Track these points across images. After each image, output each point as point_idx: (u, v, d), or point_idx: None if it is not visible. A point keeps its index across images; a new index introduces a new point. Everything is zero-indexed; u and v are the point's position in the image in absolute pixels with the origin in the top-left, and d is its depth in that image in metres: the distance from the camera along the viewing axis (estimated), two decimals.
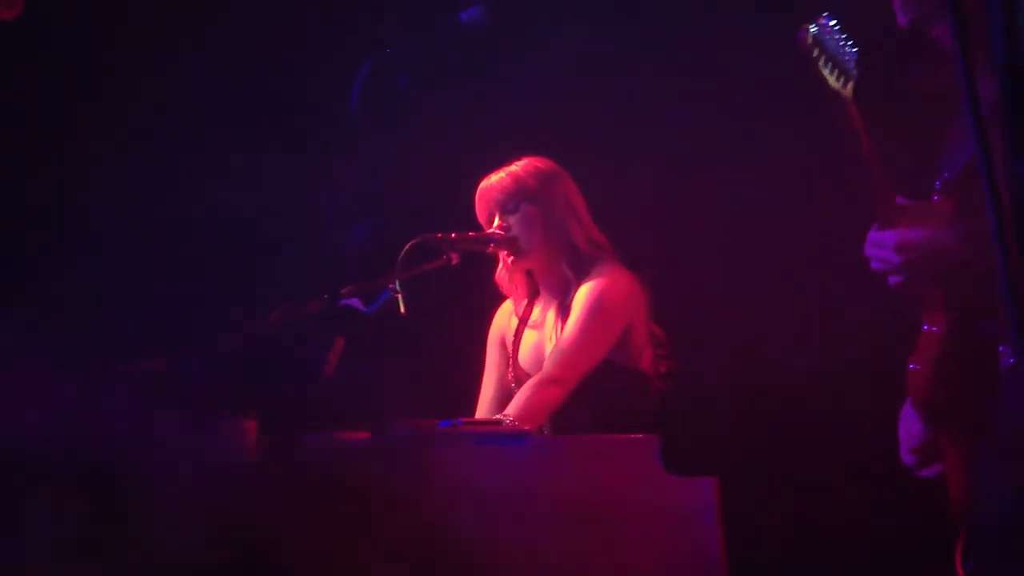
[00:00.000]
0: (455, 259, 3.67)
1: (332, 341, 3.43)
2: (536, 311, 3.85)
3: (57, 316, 4.33)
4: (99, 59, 4.70)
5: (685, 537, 3.03)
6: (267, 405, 3.06)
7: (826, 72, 3.06)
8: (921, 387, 3.09)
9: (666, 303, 3.82)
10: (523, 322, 3.86)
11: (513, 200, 3.76)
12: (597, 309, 3.64)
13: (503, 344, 3.91)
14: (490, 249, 3.78)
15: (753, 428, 4.44)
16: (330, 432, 3.06)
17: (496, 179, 3.79)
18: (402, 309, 3.47)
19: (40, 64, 4.67)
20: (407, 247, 3.54)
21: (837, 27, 3.08)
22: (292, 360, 3.70)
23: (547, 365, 3.65)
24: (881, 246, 3.02)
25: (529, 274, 3.86)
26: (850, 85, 3.07)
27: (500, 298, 3.94)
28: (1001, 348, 2.92)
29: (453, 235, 3.68)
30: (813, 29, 3.07)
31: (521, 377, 3.77)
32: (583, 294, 3.67)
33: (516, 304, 3.90)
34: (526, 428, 3.27)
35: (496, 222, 3.77)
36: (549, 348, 3.73)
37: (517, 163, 3.81)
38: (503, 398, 3.81)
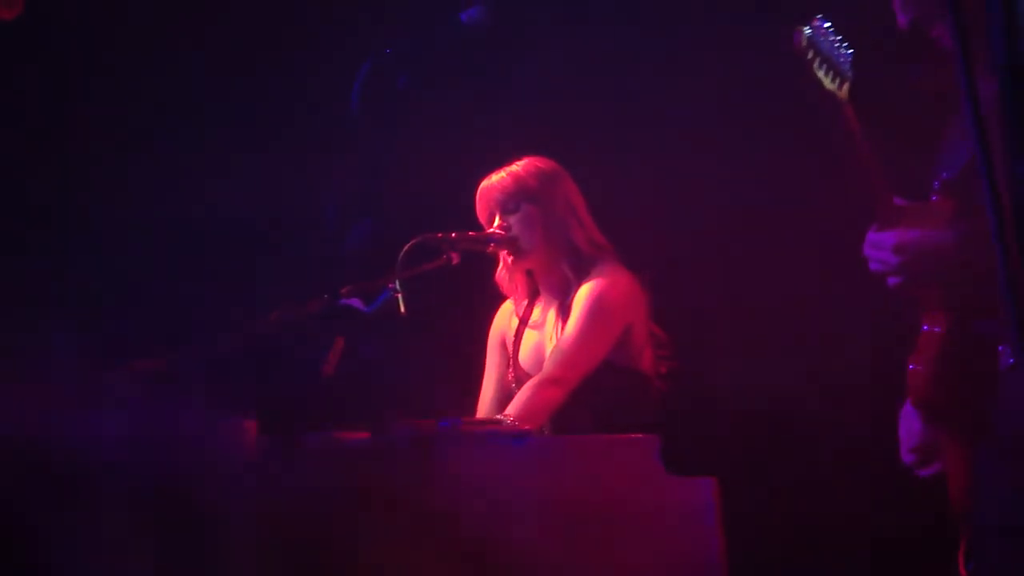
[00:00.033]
0: (455, 259, 3.67)
1: (332, 341, 3.43)
2: (536, 311, 3.85)
3: (57, 316, 4.33)
4: (99, 59, 4.70)
5: (685, 537, 3.03)
6: (267, 405, 3.06)
7: (821, 74, 3.06)
8: (921, 387, 3.09)
9: (666, 303, 3.82)
10: (523, 322, 3.86)
11: (514, 200, 3.76)
12: (597, 309, 3.64)
13: (503, 344, 3.91)
14: (490, 249, 3.78)
15: (753, 428, 4.44)
16: (330, 432, 3.06)
17: (497, 179, 3.79)
18: (402, 309, 3.47)
19: (40, 64, 4.67)
20: (407, 247, 3.54)
21: (831, 29, 3.08)
22: (292, 360, 3.70)
23: (547, 365, 3.65)
24: (879, 247, 3.02)
25: (529, 274, 3.86)
26: (846, 86, 3.07)
27: (500, 298, 3.94)
28: (1001, 348, 2.92)
29: (453, 235, 3.68)
30: (807, 31, 3.07)
31: (521, 377, 3.77)
32: (583, 294, 3.67)
33: (516, 304, 3.90)
34: (526, 428, 3.27)
35: (496, 222, 3.77)
36: (549, 348, 3.73)
37: (518, 163, 3.81)
38: (503, 398, 3.81)
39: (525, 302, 3.88)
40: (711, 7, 4.50)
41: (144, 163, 4.67)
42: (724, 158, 4.49)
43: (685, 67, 4.50)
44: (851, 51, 3.07)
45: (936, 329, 3.06)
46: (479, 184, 3.82)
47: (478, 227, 3.80)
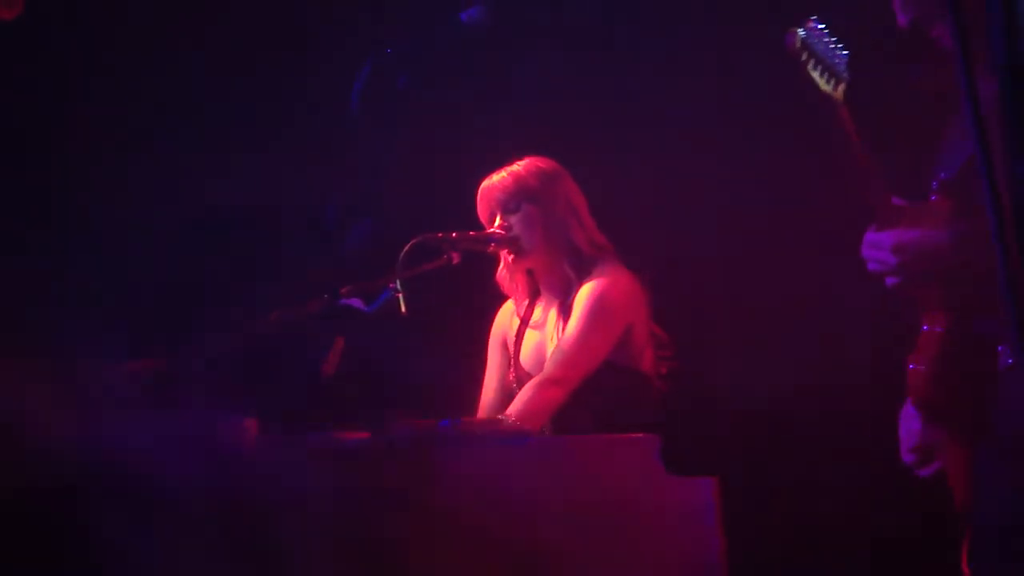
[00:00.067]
0: (456, 259, 3.67)
1: (332, 341, 3.43)
2: (537, 311, 3.85)
3: (57, 316, 4.33)
4: (99, 59, 4.70)
5: (685, 537, 3.03)
6: (267, 405, 3.06)
7: (815, 75, 3.06)
8: (921, 387, 3.09)
9: (666, 303, 3.82)
10: (524, 322, 3.86)
11: (514, 200, 3.76)
12: (598, 310, 3.64)
13: (504, 344, 3.91)
14: (491, 249, 3.78)
15: (753, 428, 4.44)
16: (330, 432, 3.06)
17: (497, 179, 3.79)
18: (403, 309, 3.47)
19: (40, 64, 4.67)
20: (407, 247, 3.54)
21: (826, 30, 3.08)
22: (292, 360, 3.70)
23: (548, 365, 3.65)
24: (878, 247, 3.03)
25: (530, 274, 3.86)
26: (841, 87, 3.07)
27: (501, 298, 3.94)
28: (1000, 348, 2.92)
29: (454, 234, 3.68)
30: (801, 33, 3.07)
31: (523, 377, 3.77)
32: (584, 294, 3.67)
33: (517, 304, 3.90)
34: (527, 428, 3.26)
35: (497, 222, 3.77)
36: (550, 348, 3.73)
37: (519, 163, 3.81)
38: (504, 398, 3.81)
39: (526, 302, 3.88)
40: (711, 7, 4.50)
41: (144, 163, 4.67)
42: (724, 158, 4.49)
43: (685, 67, 4.50)
44: (846, 52, 3.07)
45: (936, 329, 3.06)
46: (480, 184, 3.81)
47: (479, 227, 3.80)
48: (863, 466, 4.20)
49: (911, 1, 3.02)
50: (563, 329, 3.69)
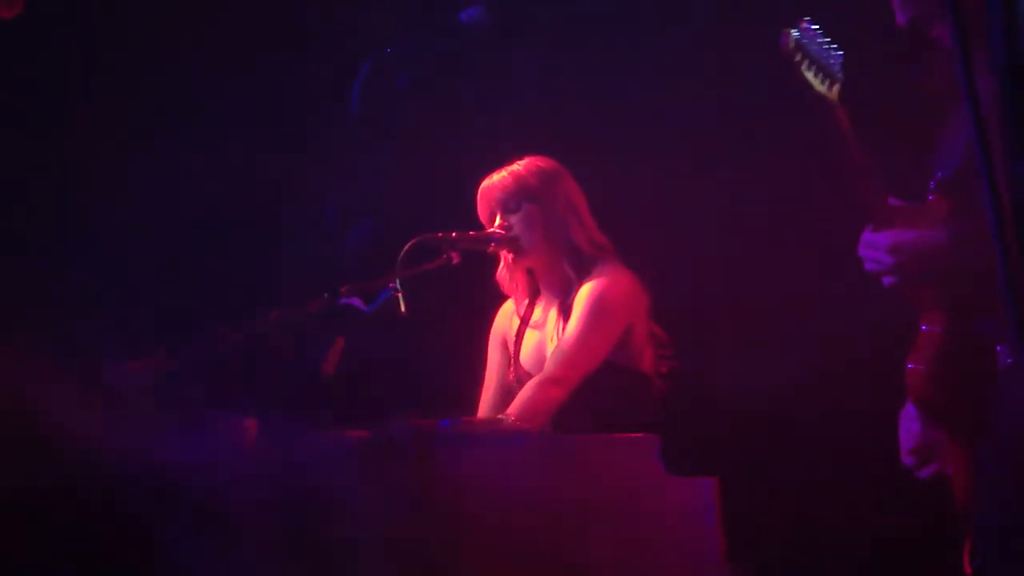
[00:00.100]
0: (455, 258, 3.67)
1: (332, 341, 3.43)
2: (537, 311, 3.85)
3: (57, 316, 4.33)
4: (99, 59, 4.70)
5: (685, 537, 3.03)
6: (267, 405, 3.06)
7: (810, 76, 3.06)
8: (920, 387, 3.09)
9: (666, 303, 3.82)
10: (524, 322, 3.86)
11: (515, 199, 3.76)
12: (598, 309, 3.64)
13: (504, 344, 3.91)
14: (491, 248, 3.78)
15: (753, 428, 4.44)
16: (330, 431, 3.06)
17: (498, 178, 3.79)
18: (402, 308, 3.47)
19: (40, 64, 4.66)
20: (407, 247, 3.54)
21: (819, 31, 3.08)
22: (292, 360, 3.70)
23: (548, 365, 3.65)
24: (874, 247, 3.03)
25: (530, 273, 3.85)
26: (836, 88, 3.07)
27: (501, 298, 3.94)
28: (999, 348, 2.92)
29: (454, 234, 3.68)
30: (794, 33, 3.07)
31: (523, 377, 3.77)
32: (584, 294, 3.67)
33: (517, 304, 3.90)
34: (527, 428, 3.26)
35: (497, 221, 3.77)
36: (551, 348, 3.73)
37: (519, 162, 3.81)
38: (504, 398, 3.81)
39: (526, 302, 3.88)
40: (711, 7, 4.50)
41: (144, 163, 4.67)
42: (724, 158, 4.49)
43: (685, 67, 4.50)
44: (840, 53, 3.07)
45: (935, 329, 3.06)
46: (480, 183, 3.81)
47: (478, 227, 3.80)
48: (863, 466, 4.20)
49: (910, 0, 3.02)
50: (563, 329, 3.69)
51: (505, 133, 4.33)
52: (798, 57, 3.05)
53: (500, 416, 3.64)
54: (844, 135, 3.04)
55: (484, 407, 3.87)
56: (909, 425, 3.15)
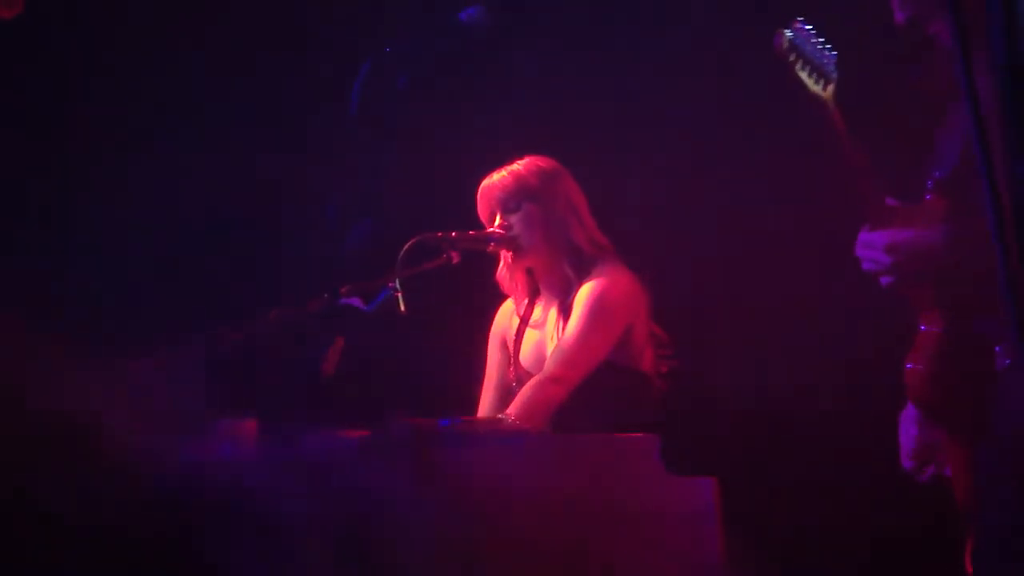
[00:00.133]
0: (455, 258, 3.67)
1: (332, 340, 3.43)
2: (537, 310, 3.85)
3: (57, 316, 4.33)
4: (99, 59, 4.70)
5: (685, 537, 3.03)
6: (267, 405, 3.06)
7: (804, 75, 3.06)
8: (918, 386, 3.09)
9: (666, 303, 3.82)
10: (524, 322, 3.86)
11: (515, 199, 3.76)
12: (598, 309, 3.64)
13: (504, 344, 3.91)
14: (490, 248, 3.78)
15: (753, 428, 4.44)
16: (330, 431, 3.05)
17: (498, 177, 3.78)
18: (402, 308, 3.47)
19: (40, 64, 4.66)
20: (407, 246, 3.54)
21: (813, 31, 3.08)
22: (292, 360, 3.70)
23: (548, 365, 3.65)
24: (871, 247, 3.03)
25: (530, 273, 3.85)
26: (830, 87, 3.07)
27: (500, 297, 3.94)
28: (997, 348, 2.92)
29: (453, 234, 3.68)
30: (788, 34, 3.07)
31: (523, 377, 3.77)
32: (584, 294, 3.67)
33: (517, 303, 3.90)
34: (527, 427, 3.26)
35: (497, 221, 3.77)
36: (551, 348, 3.73)
37: (519, 162, 3.81)
38: (504, 397, 3.81)
39: (526, 301, 3.88)
40: (712, 7, 4.50)
41: (144, 163, 4.67)
42: (724, 158, 4.49)
43: (685, 67, 4.50)
44: (834, 52, 3.07)
45: (933, 328, 3.06)
46: (480, 183, 3.81)
47: (478, 226, 3.80)
48: (864, 466, 4.20)
49: None
50: (563, 329, 3.69)
51: (505, 133, 4.33)
52: (792, 57, 3.05)
53: (500, 416, 3.64)
54: (839, 135, 3.04)
55: (484, 406, 3.87)
56: (908, 429, 3.16)
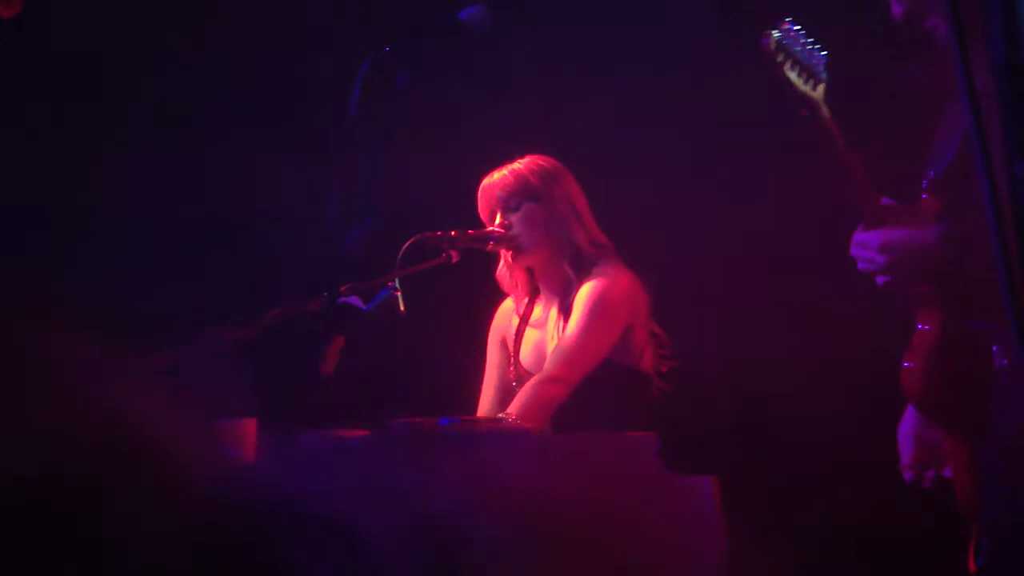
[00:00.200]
0: (455, 257, 3.67)
1: (332, 340, 3.43)
2: (537, 310, 3.85)
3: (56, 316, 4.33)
4: (99, 59, 4.70)
5: (685, 537, 3.03)
6: (267, 405, 3.05)
7: (793, 76, 3.05)
8: (915, 385, 3.09)
9: (666, 303, 3.82)
10: (524, 321, 3.86)
11: (515, 198, 3.76)
12: (599, 309, 3.64)
13: (503, 343, 3.91)
14: (490, 247, 3.78)
15: (753, 427, 4.44)
16: (330, 431, 3.05)
17: (499, 176, 3.78)
18: (401, 307, 3.47)
19: (40, 64, 4.67)
20: (406, 245, 3.54)
21: (802, 31, 3.08)
22: (292, 360, 3.70)
23: (548, 364, 3.65)
24: (865, 247, 3.02)
25: (529, 272, 3.85)
26: (820, 87, 3.07)
27: (500, 296, 3.94)
28: (995, 347, 2.92)
29: (453, 233, 3.68)
30: (776, 35, 3.06)
31: (523, 376, 3.77)
32: (584, 294, 3.67)
33: (517, 302, 3.90)
34: (527, 426, 3.26)
35: (498, 220, 3.77)
36: (551, 347, 3.73)
37: (520, 160, 3.81)
38: (504, 397, 3.81)
39: (526, 300, 3.88)
40: (712, 7, 4.49)
41: (144, 163, 4.67)
42: (724, 158, 4.49)
43: (686, 67, 4.50)
44: (824, 53, 3.06)
45: (930, 327, 3.06)
46: (481, 181, 3.81)
47: (478, 226, 3.80)
48: (865, 465, 4.20)
49: None
50: (563, 328, 3.69)
51: (506, 132, 4.33)
52: (780, 58, 3.05)
53: (500, 415, 3.64)
54: (830, 135, 3.04)
55: (484, 406, 3.87)
56: (905, 439, 3.16)
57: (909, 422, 3.15)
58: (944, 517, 3.16)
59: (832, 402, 4.34)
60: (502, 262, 3.84)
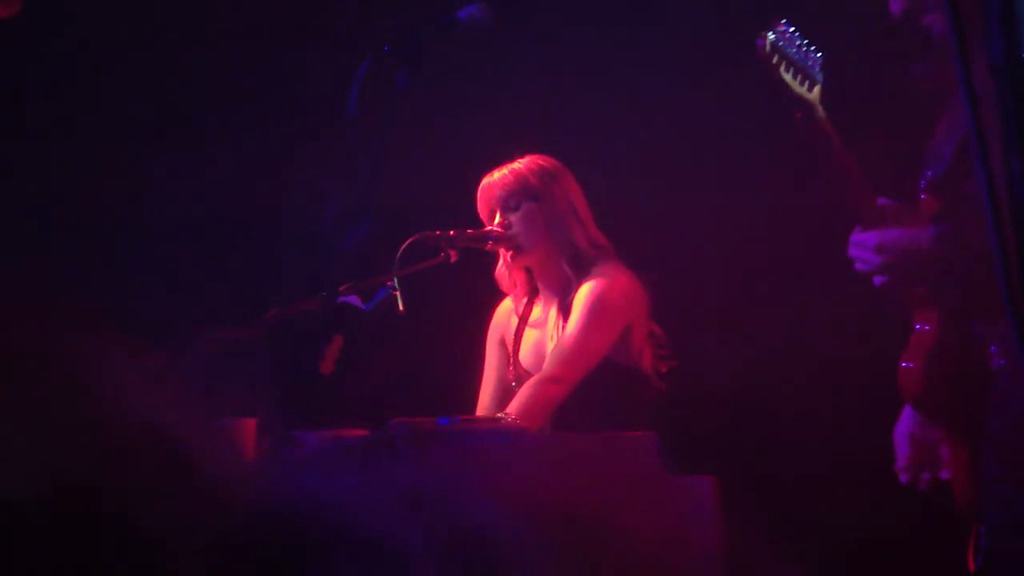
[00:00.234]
0: (454, 256, 3.67)
1: (331, 339, 3.43)
2: (536, 309, 3.85)
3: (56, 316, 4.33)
4: (100, 59, 4.70)
5: (684, 536, 3.03)
6: (267, 405, 3.06)
7: (788, 77, 3.05)
8: (913, 385, 3.09)
9: (666, 303, 3.82)
10: (523, 320, 3.86)
11: (515, 197, 3.76)
12: (598, 309, 3.64)
13: (502, 342, 3.91)
14: (489, 246, 3.78)
15: (753, 427, 4.44)
16: (330, 431, 3.06)
17: (498, 176, 3.78)
18: (400, 307, 3.47)
19: (41, 64, 4.67)
20: (405, 244, 3.54)
21: (797, 33, 3.07)
22: (291, 359, 3.70)
23: (548, 364, 3.65)
24: (862, 247, 3.02)
25: (528, 272, 3.86)
26: (816, 89, 3.06)
27: (499, 296, 3.94)
28: (992, 348, 2.92)
29: (452, 232, 3.68)
30: (771, 36, 3.06)
31: (522, 376, 3.77)
32: (584, 294, 3.67)
33: (516, 302, 3.90)
34: (526, 426, 3.27)
35: (497, 219, 3.77)
36: (550, 347, 3.73)
37: (520, 160, 3.81)
38: (503, 397, 3.81)
39: (525, 300, 3.88)
40: (713, 7, 4.50)
41: (146, 164, 4.67)
42: (724, 158, 4.49)
43: (686, 67, 4.50)
44: (820, 54, 3.06)
45: (928, 327, 3.06)
46: (480, 181, 3.81)
47: (478, 225, 3.80)
48: (865, 465, 4.20)
49: None
50: (563, 328, 3.69)
51: (505, 132, 4.33)
52: (775, 60, 3.04)
53: (499, 414, 3.64)
54: (826, 136, 3.04)
55: (483, 405, 3.87)
56: (901, 443, 3.16)
57: (905, 423, 3.15)
58: (943, 517, 3.16)
59: (831, 402, 4.34)
60: (501, 262, 3.84)
